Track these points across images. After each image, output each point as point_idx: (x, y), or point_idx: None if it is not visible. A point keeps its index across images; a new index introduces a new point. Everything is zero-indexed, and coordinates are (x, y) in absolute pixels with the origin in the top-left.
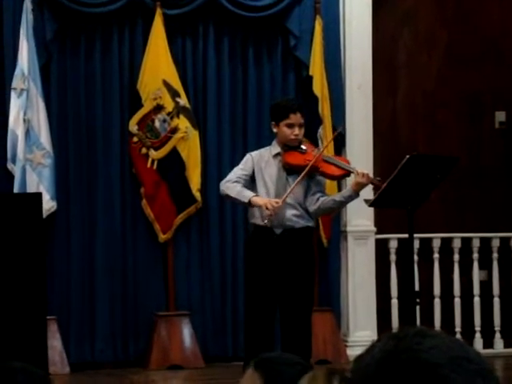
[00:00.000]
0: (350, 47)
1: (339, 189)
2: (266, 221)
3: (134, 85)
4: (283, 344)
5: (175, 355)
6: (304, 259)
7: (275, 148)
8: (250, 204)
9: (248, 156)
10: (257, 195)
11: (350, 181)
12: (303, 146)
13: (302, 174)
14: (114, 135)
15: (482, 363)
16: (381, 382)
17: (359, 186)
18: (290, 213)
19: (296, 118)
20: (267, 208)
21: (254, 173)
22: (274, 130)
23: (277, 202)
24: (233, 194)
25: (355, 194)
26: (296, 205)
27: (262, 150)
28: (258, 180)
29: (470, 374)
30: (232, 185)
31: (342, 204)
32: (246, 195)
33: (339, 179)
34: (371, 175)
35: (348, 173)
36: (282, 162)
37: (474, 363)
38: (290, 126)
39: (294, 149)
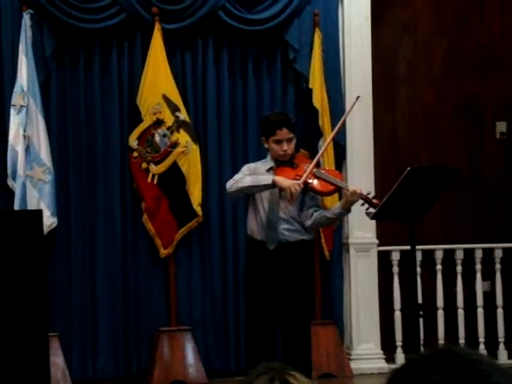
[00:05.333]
0: (349, 59)
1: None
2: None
3: (133, 100)
4: (284, 357)
5: (178, 371)
6: (301, 272)
7: (269, 162)
8: (273, 184)
9: (245, 166)
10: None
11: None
12: (295, 161)
13: None
14: (114, 150)
15: None
16: None
17: (349, 204)
18: (282, 227)
19: (282, 133)
20: (291, 191)
21: None
22: (266, 146)
23: (299, 185)
24: (247, 184)
25: (345, 211)
26: (290, 219)
27: (258, 163)
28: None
29: None
30: (241, 178)
31: (335, 220)
32: (265, 178)
33: (329, 195)
34: (361, 191)
35: (338, 188)
36: None
37: None
38: (278, 142)
39: (286, 164)
